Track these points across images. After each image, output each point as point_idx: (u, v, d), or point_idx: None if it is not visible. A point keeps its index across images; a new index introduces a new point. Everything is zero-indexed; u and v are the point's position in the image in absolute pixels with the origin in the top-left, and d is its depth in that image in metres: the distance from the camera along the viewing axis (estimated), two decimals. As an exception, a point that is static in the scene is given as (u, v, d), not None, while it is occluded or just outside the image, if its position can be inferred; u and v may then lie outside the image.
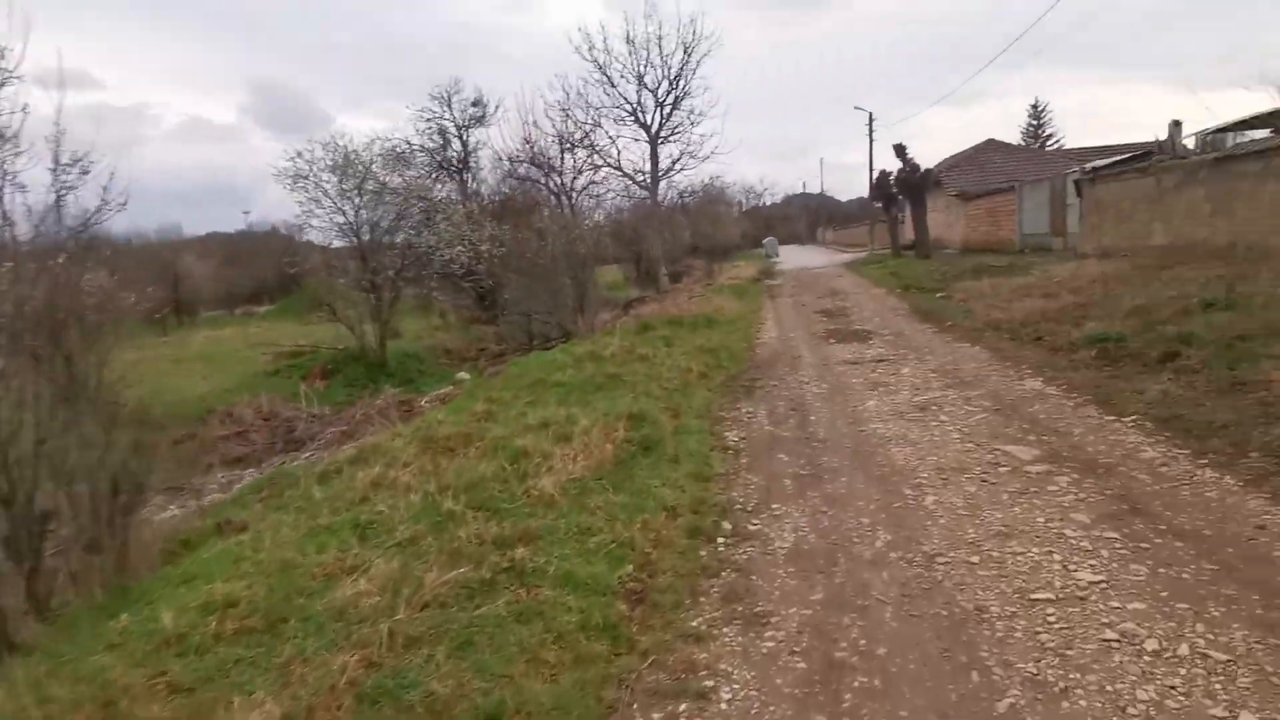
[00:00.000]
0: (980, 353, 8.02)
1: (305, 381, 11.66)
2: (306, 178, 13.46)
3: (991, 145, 30.16)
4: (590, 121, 21.33)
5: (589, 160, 21.29)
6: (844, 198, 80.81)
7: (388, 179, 14.43)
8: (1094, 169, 16.07)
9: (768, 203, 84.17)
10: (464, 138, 20.29)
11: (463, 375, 12.08)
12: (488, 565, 3.28)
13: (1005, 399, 5.95)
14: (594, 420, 5.46)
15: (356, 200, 13.60)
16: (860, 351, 8.92)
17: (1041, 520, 3.60)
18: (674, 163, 23.70)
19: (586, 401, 6.42)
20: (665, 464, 4.78)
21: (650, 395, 6.58)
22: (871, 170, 34.21)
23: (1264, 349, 5.58)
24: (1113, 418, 5.12)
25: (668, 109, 22.86)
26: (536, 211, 15.92)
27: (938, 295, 13.38)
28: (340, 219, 13.91)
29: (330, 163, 13.43)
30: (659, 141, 23.18)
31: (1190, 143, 16.28)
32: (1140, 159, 16.14)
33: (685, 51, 22.16)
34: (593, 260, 15.15)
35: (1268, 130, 16.09)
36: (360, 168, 13.50)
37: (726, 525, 3.92)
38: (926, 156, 23.47)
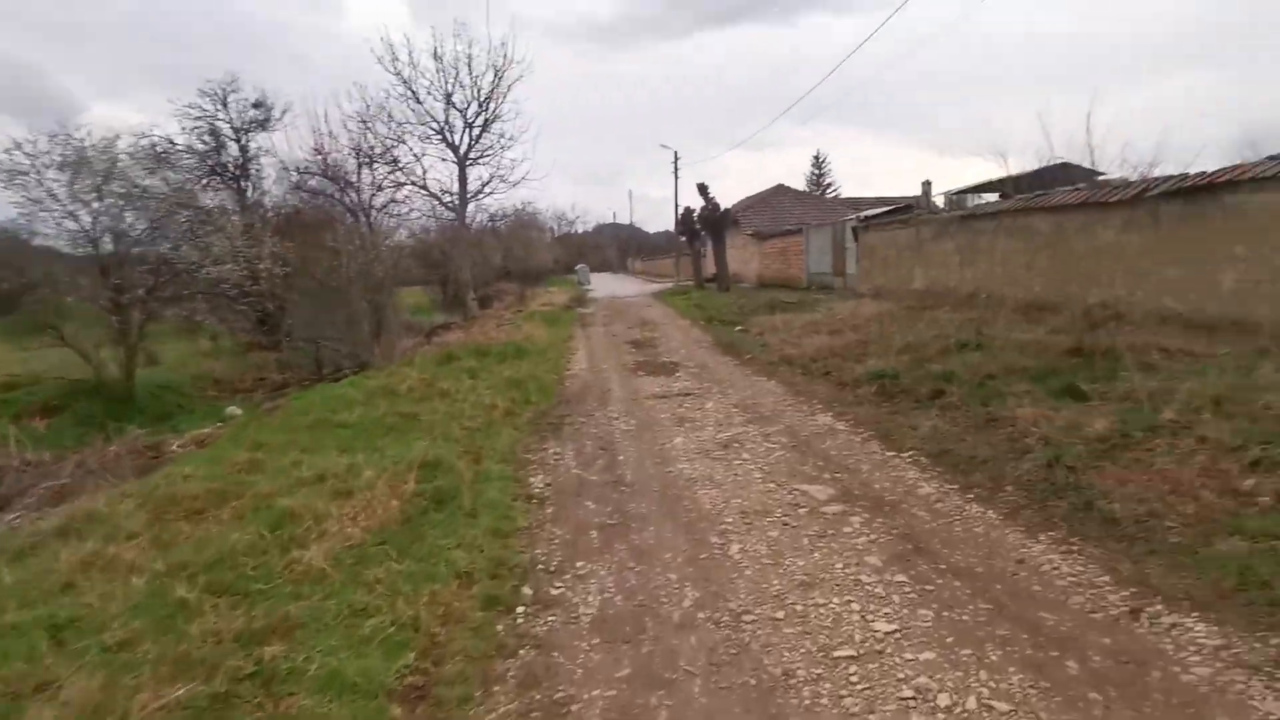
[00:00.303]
0: (776, 387, 8.41)
1: (16, 421, 9.49)
2: (26, 174, 11.16)
3: (781, 190, 33.02)
4: (393, 137, 20.09)
5: (391, 177, 20.00)
6: (651, 229, 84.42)
7: (142, 181, 12.40)
8: (867, 218, 17.99)
9: (580, 230, 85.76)
10: (243, 142, 18.09)
11: (233, 410, 10.55)
12: (224, 673, 2.64)
13: (800, 434, 6.20)
14: (381, 470, 4.85)
15: (96, 204, 11.50)
16: (668, 385, 9.01)
17: (840, 566, 3.65)
18: (484, 185, 23.02)
19: (375, 446, 5.74)
20: (461, 519, 4.31)
21: (449, 438, 6.05)
22: (677, 205, 35.91)
23: (1007, 387, 6.32)
24: (893, 453, 5.49)
25: (477, 131, 22.19)
26: (330, 228, 14.55)
27: (737, 328, 14.09)
28: (73, 225, 11.68)
29: (59, 158, 11.24)
30: (468, 163, 22.40)
31: (940, 200, 18.82)
32: (902, 211, 18.38)
33: (496, 74, 21.71)
34: (392, 282, 14.14)
35: (997, 195, 19.07)
36: (101, 166, 11.43)
37: (527, 591, 3.55)
38: (726, 195, 25.21)
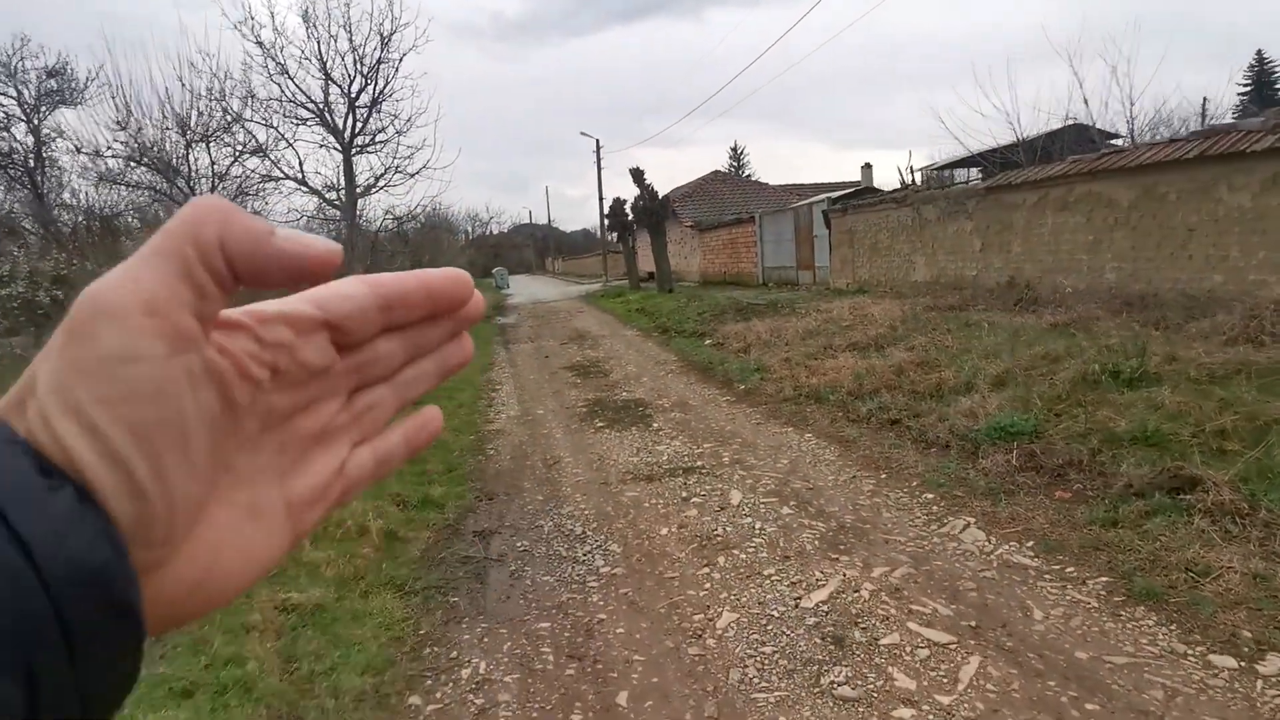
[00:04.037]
0: (825, 450, 5.35)
1: None
2: None
3: (718, 177, 30.22)
4: (260, 119, 16.02)
5: (252, 168, 15.93)
6: (570, 228, 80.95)
7: None
8: (842, 199, 15.28)
9: (494, 231, 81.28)
10: (34, 122, 13.64)
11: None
12: None
13: (954, 585, 3.15)
14: None
15: None
16: (648, 446, 5.83)
17: None
18: (378, 179, 19.11)
19: None
20: None
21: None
22: (602, 198, 32.73)
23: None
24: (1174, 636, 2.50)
25: (363, 111, 18.30)
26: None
27: (707, 342, 11.02)
28: None
29: None
30: (354, 150, 18.48)
31: (918, 179, 16.31)
32: (866, 193, 15.87)
33: (382, 40, 17.87)
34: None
35: (978, 171, 16.78)
36: None
37: None
38: (656, 185, 22.07)
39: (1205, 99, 23.35)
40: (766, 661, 2.77)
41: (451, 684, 2.80)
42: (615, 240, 27.82)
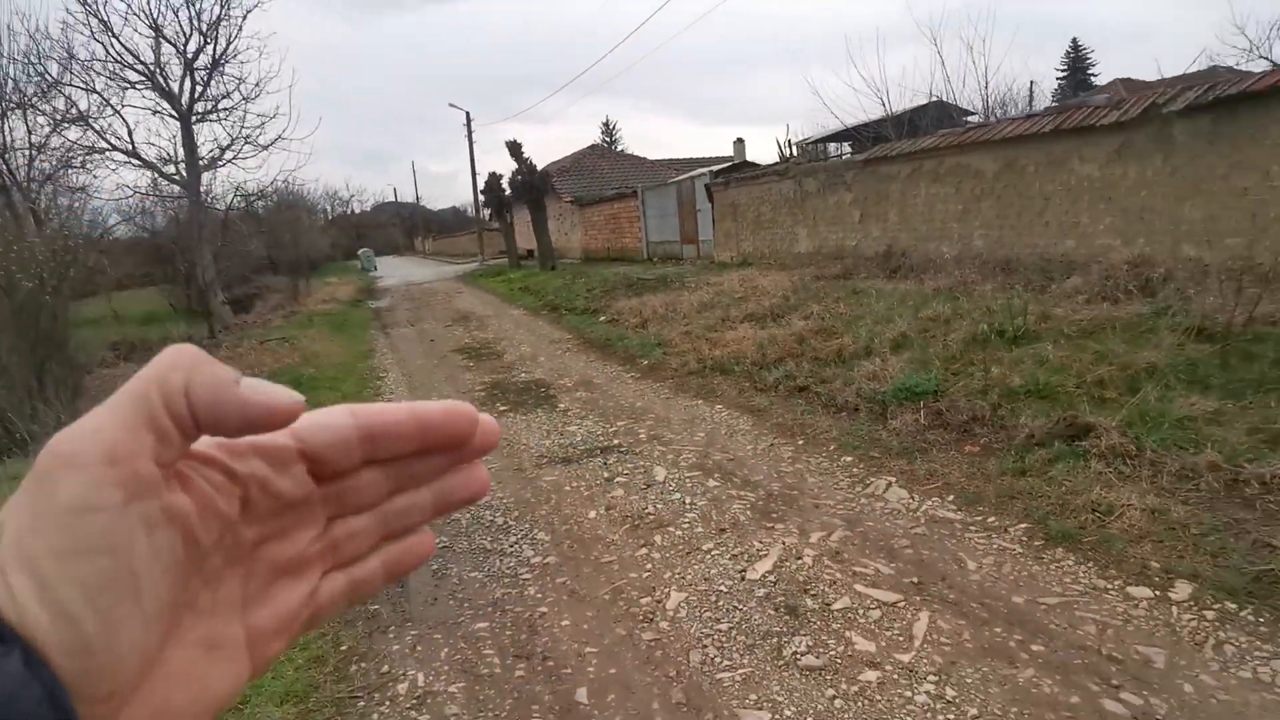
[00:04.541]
0: (738, 421, 5.37)
1: None
2: None
3: (596, 151, 29.86)
4: (81, 82, 14.01)
5: (79, 138, 13.98)
6: (438, 206, 77.83)
7: None
8: (724, 172, 15.48)
9: (356, 210, 76.69)
10: None
11: None
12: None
13: (889, 544, 3.23)
14: None
15: None
16: (559, 428, 5.63)
17: None
18: (224, 150, 17.31)
19: None
20: None
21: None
22: (475, 173, 31.61)
23: (1172, 408, 3.84)
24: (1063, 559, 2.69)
25: (203, 74, 16.45)
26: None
27: (601, 319, 10.88)
28: None
29: None
30: (195, 119, 16.62)
31: (796, 154, 16.82)
32: (741, 167, 16.20)
33: (221, -6, 16.03)
34: (70, 294, 9.05)
35: (848, 145, 17.53)
36: None
37: None
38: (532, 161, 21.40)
39: (1032, 82, 25.62)
40: (725, 639, 2.70)
41: (388, 702, 2.53)
42: (490, 217, 26.93)
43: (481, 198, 26.34)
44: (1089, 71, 45.58)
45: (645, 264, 17.85)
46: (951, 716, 2.21)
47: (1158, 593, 2.70)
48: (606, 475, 4.52)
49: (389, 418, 0.30)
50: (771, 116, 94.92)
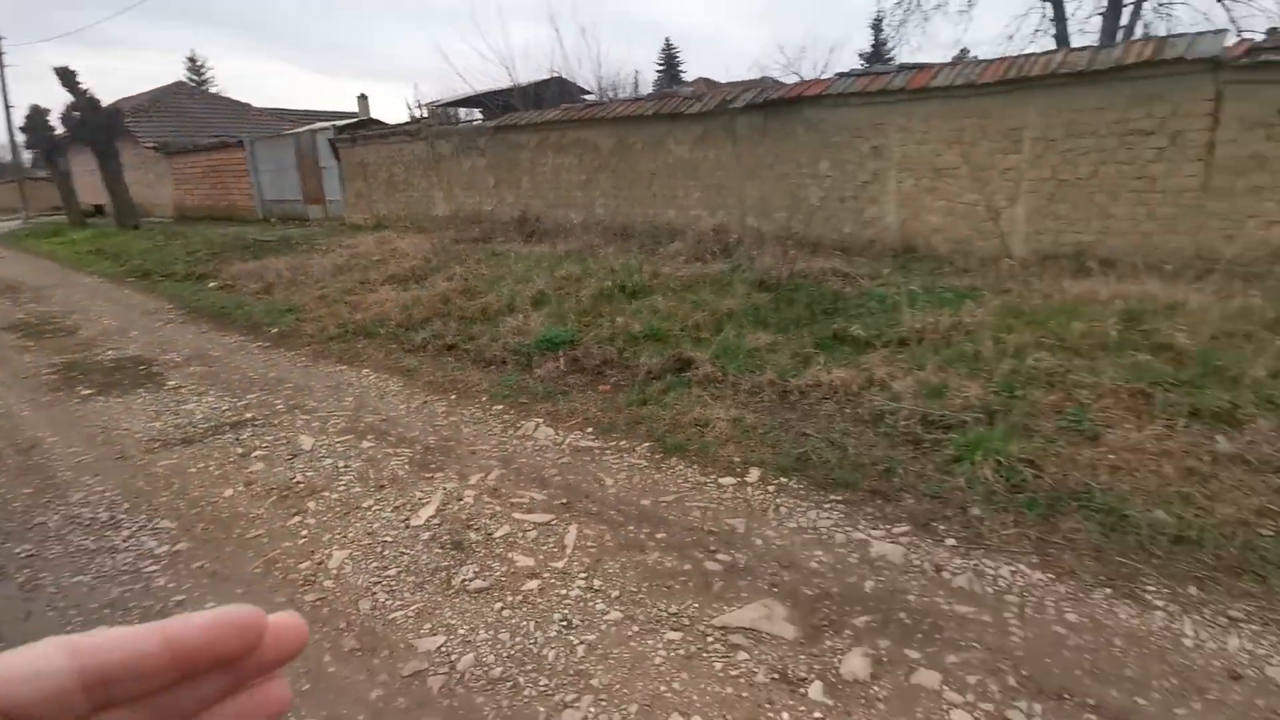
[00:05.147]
0: (388, 382, 5.27)
1: None
2: None
3: (184, 90, 24.94)
4: None
5: None
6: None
7: None
8: (348, 128, 14.41)
9: None
10: None
11: None
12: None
13: (541, 475, 3.60)
14: None
15: None
16: (171, 408, 4.88)
17: None
18: None
19: None
20: None
21: None
22: (8, 107, 24.31)
23: (748, 340, 4.91)
24: (721, 479, 3.48)
25: None
26: None
27: (211, 285, 9.46)
28: None
29: None
30: None
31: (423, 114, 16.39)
32: (368, 124, 15.39)
33: None
34: None
35: (479, 111, 17.66)
36: None
37: None
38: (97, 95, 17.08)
39: (637, 72, 28.84)
40: (394, 582, 2.77)
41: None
42: (36, 164, 21.04)
43: (21, 138, 20.39)
44: (679, 68, 52.70)
45: (262, 225, 15.86)
46: (600, 601, 2.63)
47: (738, 479, 3.52)
48: (241, 451, 4.11)
49: (129, 649, 0.24)
50: (396, 74, 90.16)
